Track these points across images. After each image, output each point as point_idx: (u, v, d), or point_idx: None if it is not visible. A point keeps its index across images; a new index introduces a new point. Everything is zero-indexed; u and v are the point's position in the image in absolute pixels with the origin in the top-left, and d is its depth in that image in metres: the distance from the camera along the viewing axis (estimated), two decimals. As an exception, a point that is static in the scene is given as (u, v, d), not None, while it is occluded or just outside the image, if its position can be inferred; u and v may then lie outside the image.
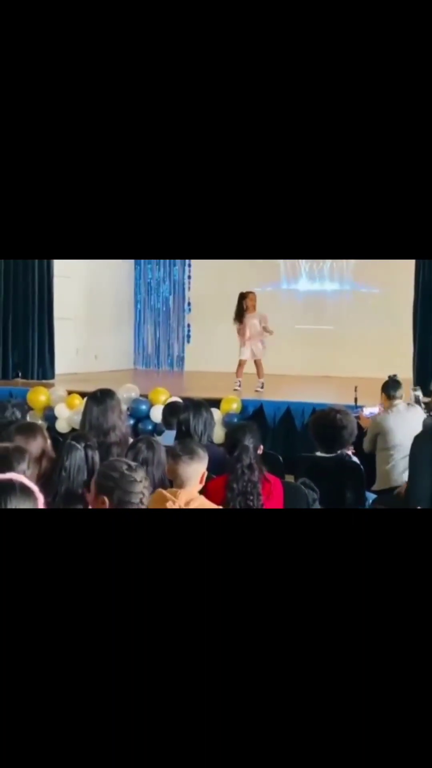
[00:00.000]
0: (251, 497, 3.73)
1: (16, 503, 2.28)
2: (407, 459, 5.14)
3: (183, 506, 3.33)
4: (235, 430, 4.13)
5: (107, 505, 3.01)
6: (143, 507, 3.08)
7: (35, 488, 2.38)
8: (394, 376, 5.85)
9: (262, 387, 9.04)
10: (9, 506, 2.27)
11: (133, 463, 3.18)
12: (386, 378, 5.94)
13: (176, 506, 3.30)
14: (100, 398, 4.35)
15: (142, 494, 3.02)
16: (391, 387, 5.59)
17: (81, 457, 3.54)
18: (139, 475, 3.06)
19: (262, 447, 4.05)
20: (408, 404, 5.67)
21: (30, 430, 3.90)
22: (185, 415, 4.58)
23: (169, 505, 3.31)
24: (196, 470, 3.42)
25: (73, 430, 6.94)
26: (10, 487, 2.32)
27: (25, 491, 2.33)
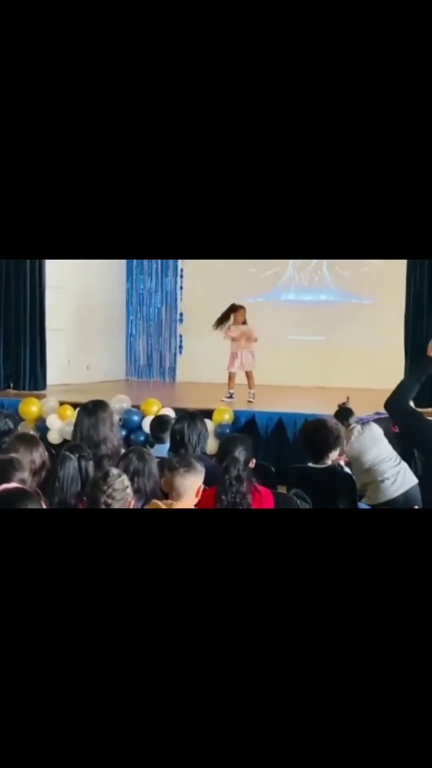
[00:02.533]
0: (240, 508, 3.70)
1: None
2: (393, 470, 5.14)
3: (178, 518, 3.33)
4: (227, 441, 4.13)
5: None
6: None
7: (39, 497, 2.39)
8: (344, 403, 5.81)
9: (253, 397, 9.05)
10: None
11: (116, 470, 3.22)
12: (379, 389, 5.92)
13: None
14: (91, 410, 4.33)
15: (124, 500, 3.07)
16: (343, 416, 5.51)
17: (75, 468, 3.54)
18: (122, 482, 3.12)
19: (254, 460, 4.04)
20: (362, 424, 5.61)
21: (31, 441, 3.90)
22: (180, 425, 4.57)
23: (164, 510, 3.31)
24: (192, 483, 3.42)
25: (64, 441, 6.92)
26: (23, 494, 2.34)
27: (34, 499, 2.35)
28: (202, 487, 3.48)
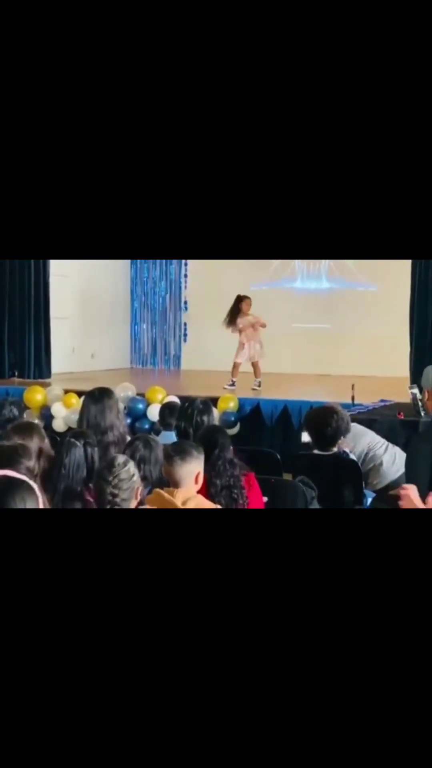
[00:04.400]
0: (235, 490, 3.74)
1: (19, 500, 2.28)
2: (388, 453, 5.14)
3: (180, 505, 3.33)
4: (208, 430, 4.14)
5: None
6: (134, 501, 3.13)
7: (35, 486, 2.37)
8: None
9: (259, 386, 9.05)
10: (12, 503, 2.27)
11: (121, 458, 3.21)
12: (383, 376, 5.92)
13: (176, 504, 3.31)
14: (97, 397, 4.33)
15: (131, 489, 3.08)
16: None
17: (80, 455, 3.54)
18: (128, 470, 3.12)
19: (232, 447, 4.06)
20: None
21: (27, 429, 3.88)
22: (188, 411, 4.57)
23: (167, 498, 3.32)
24: (189, 471, 3.42)
25: (69, 429, 6.93)
26: (13, 483, 2.32)
27: (27, 489, 2.32)
28: (201, 473, 3.49)
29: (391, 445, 5.26)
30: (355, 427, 5.20)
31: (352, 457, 4.83)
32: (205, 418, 4.54)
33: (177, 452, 3.42)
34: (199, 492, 3.48)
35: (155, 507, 3.35)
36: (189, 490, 3.41)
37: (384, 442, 5.26)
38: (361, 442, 5.11)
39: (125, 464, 3.19)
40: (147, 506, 3.37)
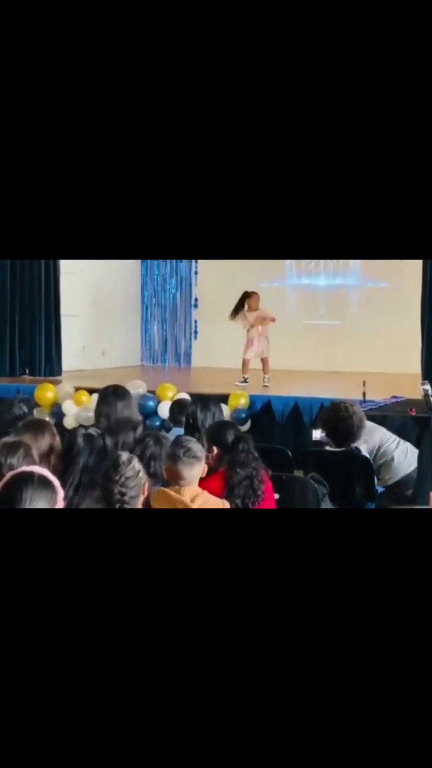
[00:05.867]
0: (255, 482, 3.76)
1: (33, 494, 2.28)
2: (400, 449, 5.13)
3: (188, 503, 3.33)
4: (220, 425, 4.14)
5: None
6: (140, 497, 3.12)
7: (55, 481, 2.37)
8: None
9: (268, 382, 9.04)
10: (26, 497, 2.27)
11: (125, 455, 3.20)
12: (395, 373, 5.91)
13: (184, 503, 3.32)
14: (121, 393, 4.37)
15: (138, 486, 3.07)
16: None
17: (100, 446, 3.55)
18: (133, 468, 3.11)
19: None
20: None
21: (38, 426, 3.88)
22: (192, 408, 4.57)
23: (174, 497, 3.32)
24: (197, 471, 3.47)
25: (78, 426, 6.93)
26: (28, 478, 2.32)
27: (45, 483, 2.32)
28: (206, 468, 3.53)
29: (402, 440, 5.25)
30: (367, 424, 5.18)
31: (364, 453, 4.81)
32: (214, 414, 4.54)
33: (186, 454, 3.43)
34: (207, 482, 3.50)
35: (162, 506, 3.35)
36: (195, 487, 3.43)
37: (395, 437, 5.25)
38: (373, 437, 5.09)
39: (130, 461, 3.18)
40: (152, 505, 3.38)
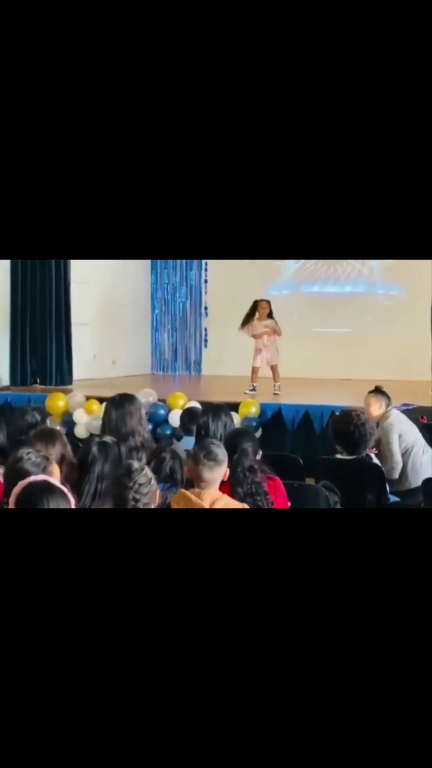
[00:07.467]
0: (258, 497, 3.74)
1: (57, 503, 2.29)
2: (429, 455, 5.14)
3: (208, 506, 3.34)
4: (233, 435, 4.14)
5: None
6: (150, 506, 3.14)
7: (66, 490, 2.39)
8: (381, 388, 5.83)
9: (278, 390, 9.04)
10: (48, 506, 2.29)
11: (137, 464, 3.23)
12: (405, 380, 5.93)
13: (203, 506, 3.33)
14: (118, 402, 4.35)
15: (150, 493, 3.09)
16: (382, 396, 5.57)
17: (115, 453, 3.58)
18: (146, 475, 3.13)
19: (261, 452, 4.04)
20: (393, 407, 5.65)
21: (49, 435, 3.89)
22: (204, 418, 4.57)
23: (194, 501, 3.33)
24: (219, 473, 3.46)
25: (91, 435, 6.94)
26: (47, 487, 2.34)
27: (62, 492, 2.35)
28: (228, 472, 3.53)
29: (428, 447, 5.30)
30: (405, 419, 5.21)
31: (376, 461, 4.81)
32: (225, 423, 4.53)
33: (207, 456, 3.44)
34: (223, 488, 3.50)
35: (180, 507, 3.37)
36: (215, 491, 3.44)
37: (425, 443, 5.29)
38: (411, 432, 5.11)
39: (142, 469, 3.22)
40: (172, 505, 3.41)
